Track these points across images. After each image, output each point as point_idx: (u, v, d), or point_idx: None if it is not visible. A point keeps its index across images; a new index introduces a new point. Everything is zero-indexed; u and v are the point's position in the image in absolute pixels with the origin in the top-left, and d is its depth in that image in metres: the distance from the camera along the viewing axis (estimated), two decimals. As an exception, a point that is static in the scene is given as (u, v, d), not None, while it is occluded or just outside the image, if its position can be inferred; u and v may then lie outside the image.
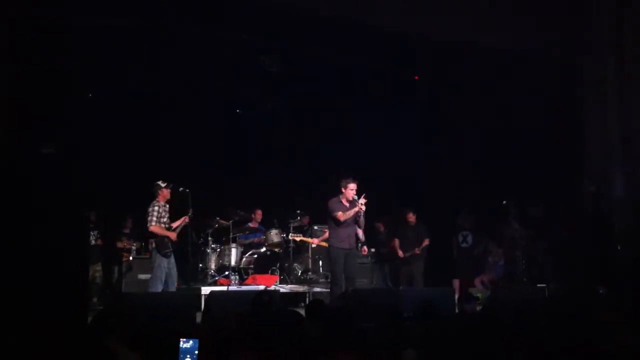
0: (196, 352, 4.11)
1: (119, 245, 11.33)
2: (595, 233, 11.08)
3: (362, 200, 9.35)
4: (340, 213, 9.43)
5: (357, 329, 5.24)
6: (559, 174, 12.10)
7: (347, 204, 9.51)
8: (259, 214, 12.51)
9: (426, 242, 11.86)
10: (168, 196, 9.54)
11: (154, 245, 9.23)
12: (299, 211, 12.05)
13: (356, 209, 9.36)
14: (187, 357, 4.12)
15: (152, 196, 9.40)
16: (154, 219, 9.25)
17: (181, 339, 4.14)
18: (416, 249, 11.78)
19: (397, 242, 11.92)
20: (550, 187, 12.16)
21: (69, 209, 6.57)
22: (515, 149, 12.59)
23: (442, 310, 6.75)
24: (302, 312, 6.23)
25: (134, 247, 11.13)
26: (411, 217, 11.92)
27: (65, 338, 5.01)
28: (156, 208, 9.33)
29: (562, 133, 12.32)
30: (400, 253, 11.76)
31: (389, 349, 4.65)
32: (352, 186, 9.46)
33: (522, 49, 11.84)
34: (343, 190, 9.52)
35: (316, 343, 4.68)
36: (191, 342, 4.14)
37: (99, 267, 11.20)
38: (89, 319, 6.00)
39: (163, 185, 9.45)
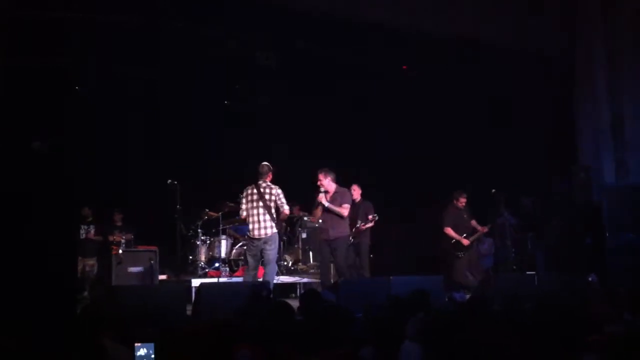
0: (152, 356, 3.98)
1: (111, 238, 11.31)
2: (585, 221, 11.14)
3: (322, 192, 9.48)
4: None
5: (351, 321, 5.23)
6: (550, 162, 12.15)
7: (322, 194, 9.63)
8: None
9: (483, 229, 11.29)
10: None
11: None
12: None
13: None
14: (142, 362, 4.01)
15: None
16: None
17: (135, 344, 4.00)
18: (484, 227, 11.19)
19: (450, 229, 11.00)
20: (541, 176, 12.22)
21: (58, 204, 6.56)
22: (506, 139, 12.61)
23: (432, 299, 6.77)
24: (292, 303, 6.24)
25: (123, 240, 11.09)
26: (462, 202, 11.16)
27: (53, 331, 4.99)
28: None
29: (553, 122, 12.37)
30: (466, 241, 10.90)
31: (384, 342, 4.63)
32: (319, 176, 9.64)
33: (512, 41, 11.86)
34: None
35: (309, 336, 4.65)
36: (146, 348, 4.00)
37: (92, 261, 11.18)
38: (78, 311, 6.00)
39: None
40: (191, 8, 10.17)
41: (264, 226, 9.09)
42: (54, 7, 9.38)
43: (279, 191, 9.18)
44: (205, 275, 11.10)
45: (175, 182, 9.39)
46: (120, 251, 10.48)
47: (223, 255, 11.44)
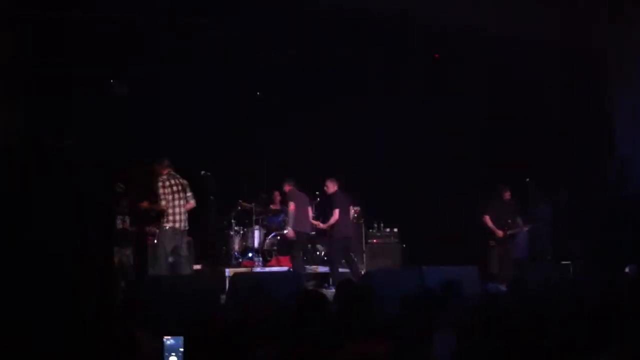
0: (181, 349, 3.97)
1: (146, 229, 11.33)
2: (625, 211, 11.03)
3: None
4: None
5: (384, 312, 5.22)
6: (586, 154, 12.07)
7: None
8: (277, 196, 12.52)
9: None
10: None
11: None
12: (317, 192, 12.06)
13: None
14: (172, 355, 3.98)
15: None
16: None
17: (165, 337, 4.00)
18: (525, 225, 11.23)
19: (488, 219, 11.08)
20: (577, 168, 12.16)
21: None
22: (542, 131, 12.54)
23: (467, 290, 6.73)
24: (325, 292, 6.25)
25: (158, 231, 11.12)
26: (507, 194, 11.19)
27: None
28: None
29: (589, 113, 12.28)
30: (500, 233, 10.99)
31: (420, 332, 4.61)
32: None
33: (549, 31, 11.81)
34: None
35: (343, 328, 4.65)
36: (174, 339, 4.00)
37: (128, 251, 11.22)
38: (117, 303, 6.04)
39: None
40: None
41: (185, 218, 9.19)
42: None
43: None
44: (238, 265, 11.20)
45: (209, 173, 9.44)
46: (155, 242, 10.54)
47: (256, 245, 11.55)
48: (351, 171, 12.22)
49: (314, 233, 11.26)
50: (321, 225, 11.03)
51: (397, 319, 5.01)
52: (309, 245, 11.71)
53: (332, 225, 10.66)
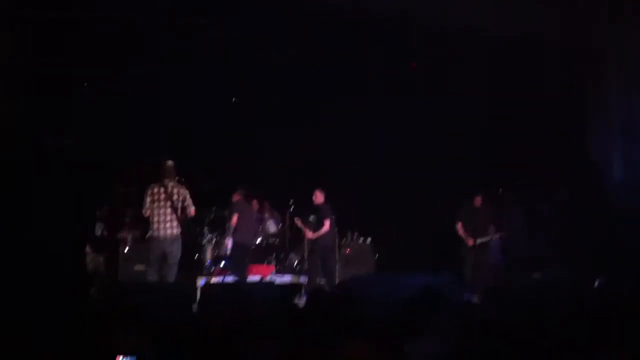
0: None
1: (120, 235, 11.42)
2: (596, 219, 10.97)
3: None
4: None
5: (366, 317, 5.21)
6: (561, 160, 12.01)
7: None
8: (254, 204, 12.51)
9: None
10: None
11: None
12: (291, 200, 12.07)
13: None
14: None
15: None
16: None
17: (118, 356, 4.06)
18: (497, 234, 11.21)
19: (460, 226, 11.20)
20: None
21: (60, 204, 6.67)
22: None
23: (447, 297, 6.69)
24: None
25: (129, 237, 11.18)
26: (478, 201, 11.30)
27: (54, 331, 5.08)
28: None
29: (563, 119, 12.23)
30: (470, 241, 11.06)
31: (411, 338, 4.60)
32: None
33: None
34: None
35: (325, 334, 4.65)
36: (128, 358, 4.06)
37: (101, 258, 11.30)
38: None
39: None
40: (191, 8, 10.28)
41: (170, 226, 9.19)
42: (54, 7, 9.55)
43: (187, 192, 9.33)
44: (210, 274, 11.33)
45: (183, 179, 9.52)
46: (127, 248, 10.58)
47: (229, 254, 11.52)
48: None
49: (253, 248, 11.44)
50: (310, 234, 11.04)
51: (385, 325, 5.00)
52: (282, 255, 11.77)
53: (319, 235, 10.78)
